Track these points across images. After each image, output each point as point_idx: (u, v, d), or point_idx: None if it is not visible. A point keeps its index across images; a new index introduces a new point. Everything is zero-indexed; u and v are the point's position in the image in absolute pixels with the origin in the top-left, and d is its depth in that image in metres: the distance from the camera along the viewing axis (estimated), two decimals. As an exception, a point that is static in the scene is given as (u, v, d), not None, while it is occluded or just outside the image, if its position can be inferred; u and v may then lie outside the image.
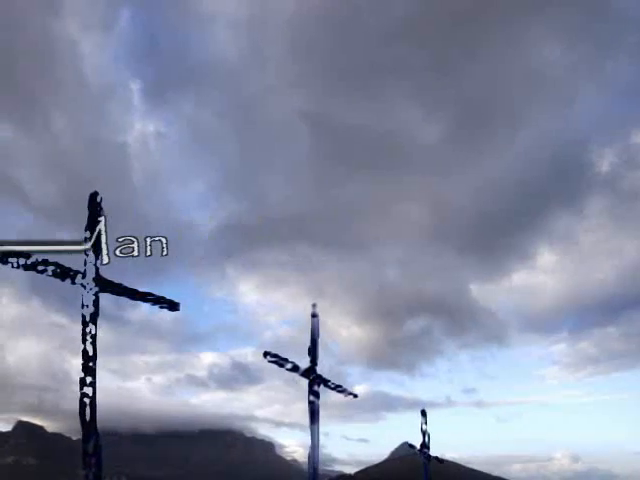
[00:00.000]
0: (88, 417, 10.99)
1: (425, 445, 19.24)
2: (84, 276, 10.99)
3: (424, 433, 18.98)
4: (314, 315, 12.26)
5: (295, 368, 11.88)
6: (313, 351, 12.15)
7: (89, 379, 10.96)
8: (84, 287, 10.99)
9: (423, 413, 18.73)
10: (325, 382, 12.24)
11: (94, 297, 11.00)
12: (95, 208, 11.17)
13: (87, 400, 10.95)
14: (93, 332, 10.97)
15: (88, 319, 10.94)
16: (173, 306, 11.27)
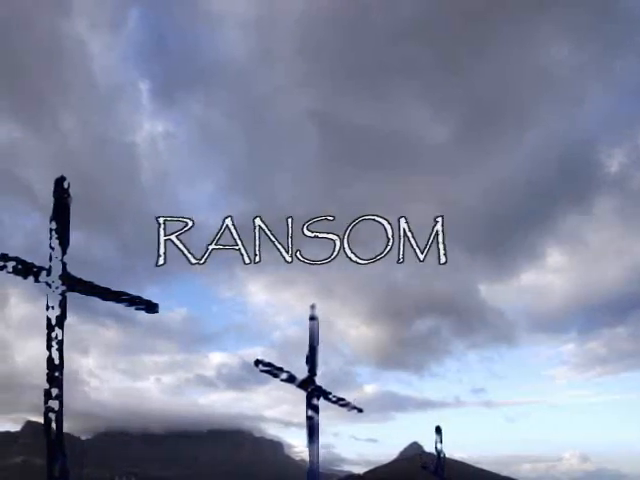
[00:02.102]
0: (54, 435, 9.65)
1: (440, 466, 17.41)
2: (49, 273, 9.61)
3: (439, 453, 17.11)
4: (312, 318, 10.73)
5: (291, 378, 10.38)
6: (311, 359, 10.61)
7: (55, 391, 9.57)
8: (49, 286, 9.60)
9: (438, 430, 16.94)
10: (325, 394, 10.70)
11: (61, 297, 9.64)
12: (62, 195, 9.77)
13: (53, 416, 9.59)
14: (60, 337, 9.58)
15: (54, 322, 9.56)
16: (150, 307, 9.86)
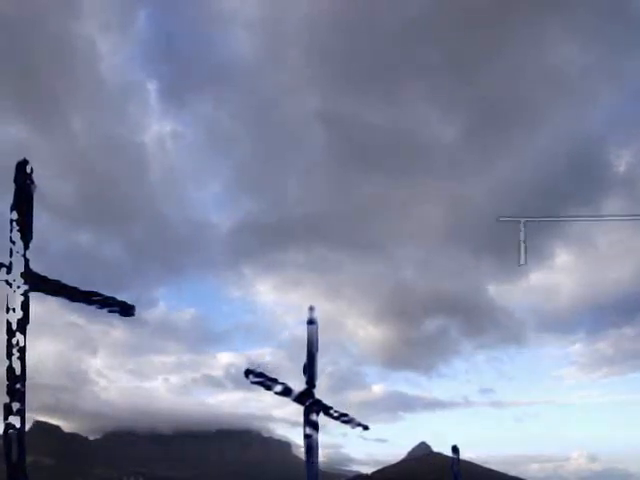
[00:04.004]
0: (15, 456, 8.44)
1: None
2: (9, 271, 8.38)
3: (456, 476, 15.71)
4: (311, 321, 9.33)
5: (287, 391, 9.00)
6: (310, 369, 9.19)
7: (16, 406, 8.37)
8: (9, 285, 8.38)
9: (455, 450, 15.56)
10: (326, 409, 9.30)
11: (23, 298, 8.42)
12: (24, 181, 8.56)
13: (14, 434, 8.38)
14: (22, 344, 8.37)
15: (15, 327, 8.33)
16: (126, 310, 8.63)
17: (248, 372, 8.69)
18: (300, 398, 9.15)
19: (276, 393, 8.93)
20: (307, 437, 9.17)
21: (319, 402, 9.24)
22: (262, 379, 8.75)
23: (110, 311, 8.61)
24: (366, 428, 9.74)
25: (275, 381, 8.88)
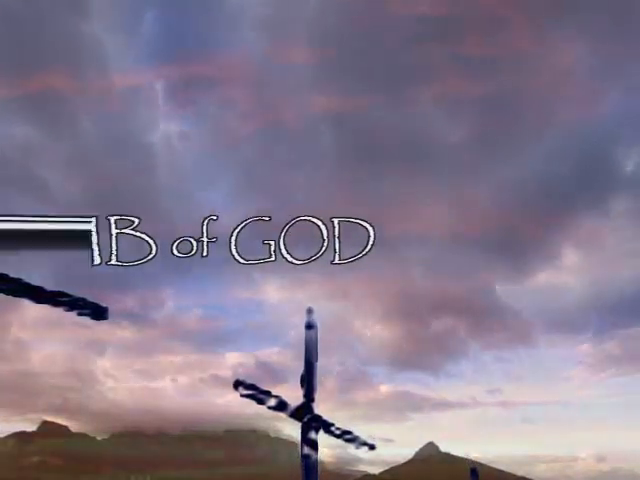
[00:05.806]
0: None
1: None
2: (-36, 268, 7.40)
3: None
4: (310, 325, 8.14)
5: (281, 405, 7.86)
6: (308, 379, 7.97)
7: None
8: (-35, 284, 7.39)
9: (473, 472, 14.45)
10: (326, 426, 8.12)
11: (-21, 299, 7.42)
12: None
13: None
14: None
15: (-29, 332, 7.35)
16: (98, 313, 7.56)
17: (237, 384, 7.60)
18: (297, 413, 8.02)
19: (269, 408, 7.82)
20: (305, 458, 8.02)
21: (319, 418, 8.07)
22: (253, 392, 7.65)
23: (80, 314, 7.55)
24: (372, 448, 8.53)
25: (268, 394, 7.75)
